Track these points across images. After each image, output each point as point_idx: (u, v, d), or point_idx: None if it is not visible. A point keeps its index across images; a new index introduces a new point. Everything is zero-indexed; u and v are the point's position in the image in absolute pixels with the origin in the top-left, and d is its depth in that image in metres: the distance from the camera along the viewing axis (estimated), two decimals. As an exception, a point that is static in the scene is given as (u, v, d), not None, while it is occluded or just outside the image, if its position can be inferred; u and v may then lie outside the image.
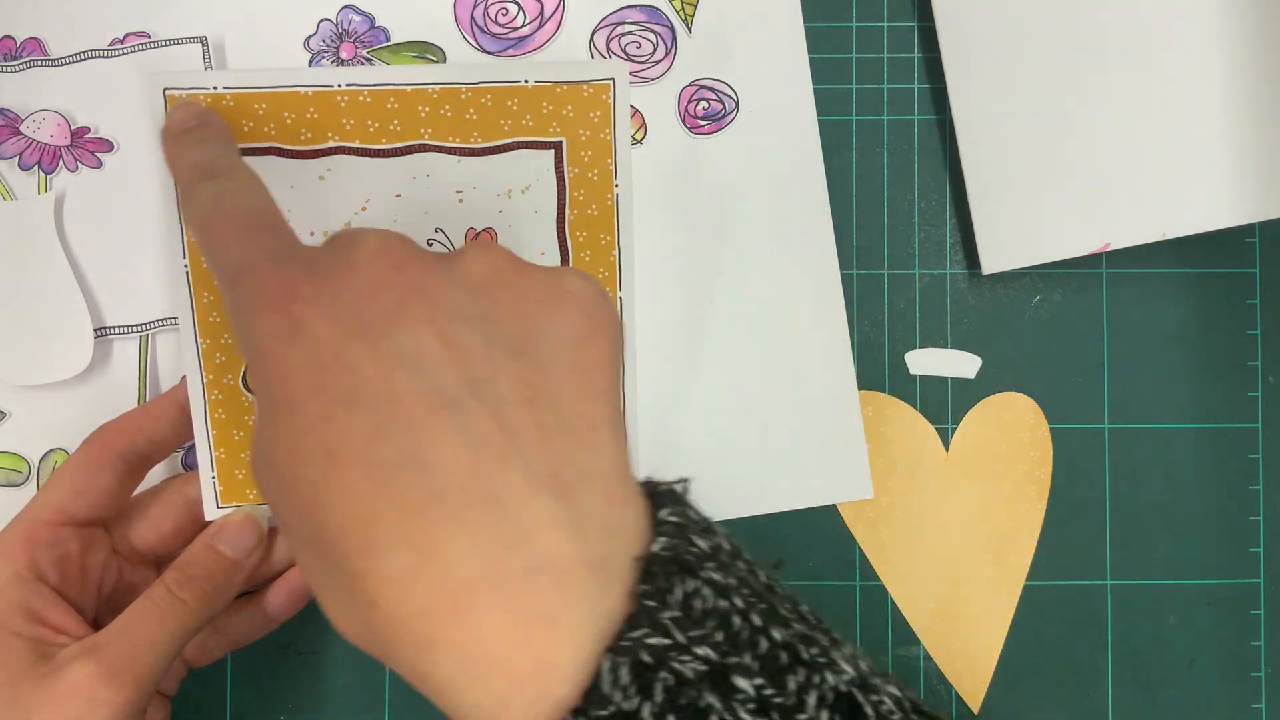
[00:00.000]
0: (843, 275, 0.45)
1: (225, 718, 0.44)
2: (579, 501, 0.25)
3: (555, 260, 0.38)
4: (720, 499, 0.44)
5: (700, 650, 0.23)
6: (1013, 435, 0.45)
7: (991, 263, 0.44)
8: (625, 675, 0.22)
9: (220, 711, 0.44)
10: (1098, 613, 0.45)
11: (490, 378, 0.26)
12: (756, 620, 0.24)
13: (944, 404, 0.45)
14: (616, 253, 0.38)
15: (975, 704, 0.45)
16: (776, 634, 0.24)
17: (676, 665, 0.23)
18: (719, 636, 0.23)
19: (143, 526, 0.39)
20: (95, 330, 0.42)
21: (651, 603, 0.23)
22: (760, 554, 0.45)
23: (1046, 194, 0.43)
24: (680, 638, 0.23)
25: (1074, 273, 0.45)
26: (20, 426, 0.43)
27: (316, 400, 0.25)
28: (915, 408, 0.45)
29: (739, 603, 0.24)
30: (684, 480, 0.28)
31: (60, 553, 0.36)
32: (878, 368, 0.45)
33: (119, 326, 0.43)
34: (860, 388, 0.45)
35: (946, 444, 0.45)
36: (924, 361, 0.45)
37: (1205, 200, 0.42)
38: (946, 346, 0.45)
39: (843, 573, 0.45)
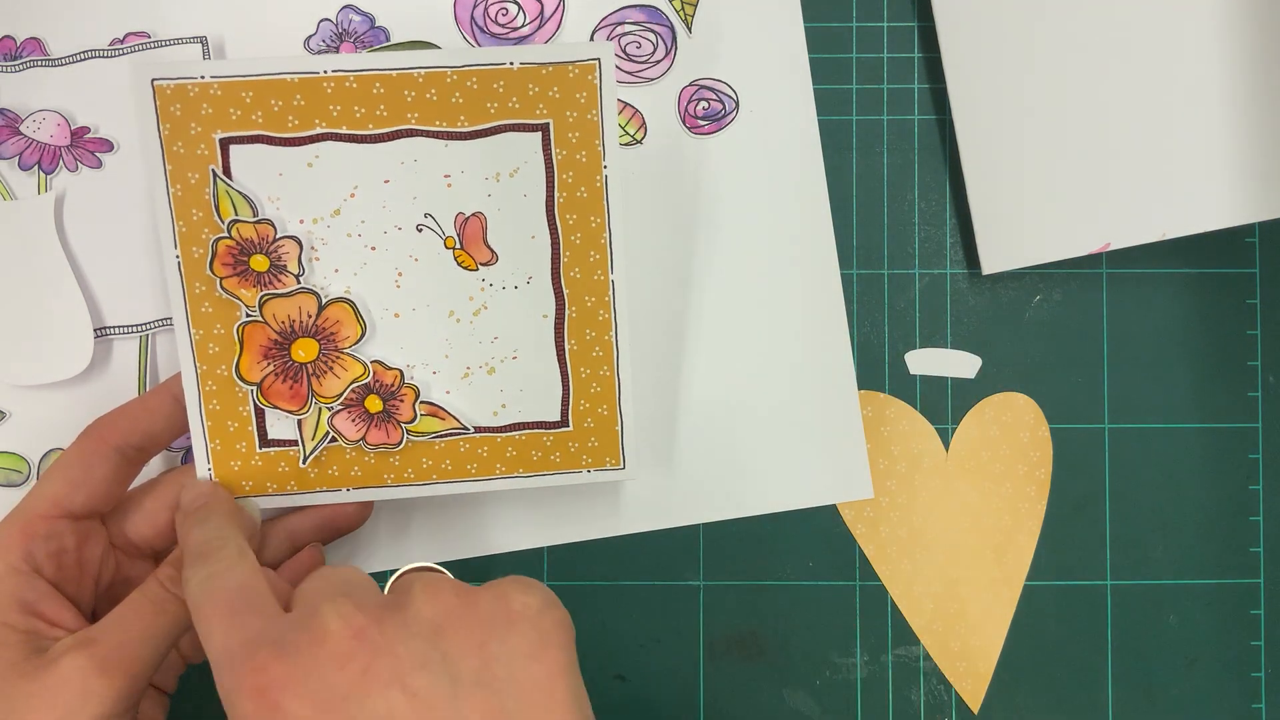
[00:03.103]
0: (843, 275, 0.45)
1: (224, 716, 0.44)
2: None
3: (546, 243, 0.38)
4: (720, 499, 0.44)
5: None
6: (1013, 435, 0.45)
7: (991, 263, 0.44)
8: None
9: (220, 710, 0.44)
10: (1098, 613, 0.45)
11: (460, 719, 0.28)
12: None
13: (944, 404, 0.45)
14: (608, 235, 0.38)
15: (975, 704, 0.45)
16: None
17: None
18: None
19: (139, 520, 0.39)
20: (95, 330, 0.42)
21: None
22: (760, 554, 0.45)
23: (1046, 194, 0.43)
24: None
25: (1074, 273, 0.45)
26: (20, 426, 0.43)
27: None
28: (915, 408, 0.45)
29: None
30: None
31: (56, 546, 0.36)
32: (878, 368, 0.45)
33: (119, 326, 0.43)
34: (860, 388, 0.45)
35: (946, 444, 0.45)
36: (924, 361, 0.45)
37: (1205, 200, 0.42)
38: (946, 346, 0.45)
39: (843, 573, 0.45)
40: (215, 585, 0.33)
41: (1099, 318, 0.45)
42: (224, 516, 0.37)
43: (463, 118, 0.37)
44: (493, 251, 0.38)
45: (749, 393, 0.44)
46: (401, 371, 0.38)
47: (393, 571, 0.44)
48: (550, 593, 0.32)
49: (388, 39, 0.43)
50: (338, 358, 0.38)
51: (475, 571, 0.44)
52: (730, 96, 0.44)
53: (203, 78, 0.36)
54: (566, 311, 0.39)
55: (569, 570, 0.44)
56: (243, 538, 0.35)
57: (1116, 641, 0.45)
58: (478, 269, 0.38)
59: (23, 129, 0.42)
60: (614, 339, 0.39)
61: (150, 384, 0.43)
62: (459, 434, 0.39)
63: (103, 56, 0.42)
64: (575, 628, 0.44)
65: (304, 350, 0.38)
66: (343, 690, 0.28)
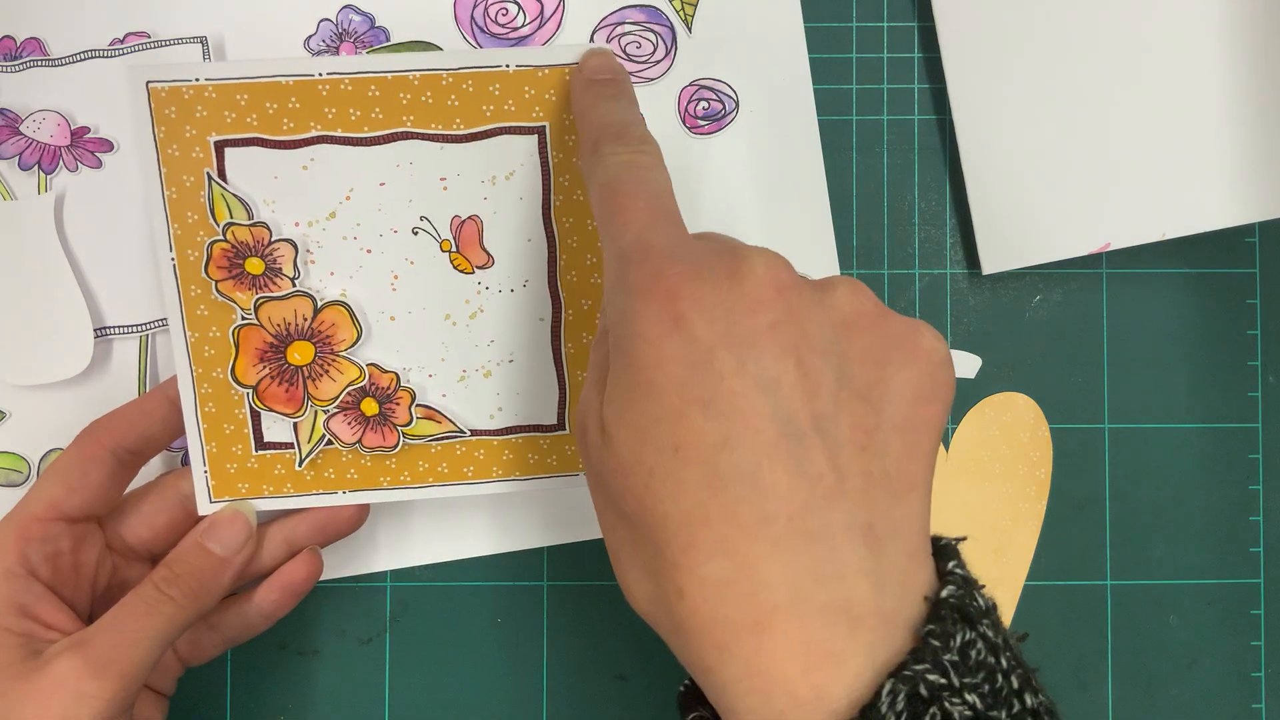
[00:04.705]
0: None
1: (224, 717, 0.44)
2: (885, 554, 0.26)
3: (542, 247, 0.38)
4: (720, 499, 0.44)
5: (970, 697, 0.25)
6: (1013, 435, 0.45)
7: (991, 263, 0.44)
8: (901, 703, 0.24)
9: (219, 711, 0.44)
10: (1098, 613, 0.45)
11: (834, 416, 0.27)
12: (1014, 683, 0.26)
13: (944, 404, 0.45)
14: None
15: (975, 704, 0.44)
16: (1029, 700, 0.26)
17: (947, 705, 0.24)
18: (985, 689, 0.25)
19: (136, 522, 0.39)
20: (95, 330, 0.42)
21: (936, 642, 0.25)
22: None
23: (1046, 194, 0.43)
24: (955, 681, 0.25)
25: (1074, 273, 0.45)
26: (20, 426, 0.43)
27: (677, 396, 0.26)
28: (915, 408, 0.45)
29: (1004, 662, 0.26)
30: (962, 539, 0.30)
31: (52, 549, 0.36)
32: (877, 368, 0.45)
33: (119, 326, 0.43)
34: (860, 388, 0.45)
35: (946, 444, 0.45)
36: (924, 361, 0.45)
37: (1205, 200, 0.42)
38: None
39: (842, 573, 0.45)
40: (641, 174, 0.31)
41: (1099, 318, 0.45)
42: (636, 103, 0.35)
43: (458, 120, 0.37)
44: (489, 254, 0.38)
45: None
46: (398, 375, 0.38)
47: (392, 574, 0.44)
48: (950, 353, 0.30)
49: (388, 39, 0.43)
50: (334, 361, 0.38)
51: (475, 572, 0.44)
52: (730, 96, 0.44)
53: (197, 80, 0.36)
54: (563, 315, 0.39)
55: (569, 570, 0.44)
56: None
57: (1116, 641, 0.45)
58: (474, 272, 0.38)
59: (23, 129, 0.42)
60: None
61: (150, 384, 0.43)
62: (455, 437, 0.39)
63: (103, 56, 0.42)
64: (576, 627, 0.44)
65: (300, 353, 0.38)
66: (745, 334, 0.27)
